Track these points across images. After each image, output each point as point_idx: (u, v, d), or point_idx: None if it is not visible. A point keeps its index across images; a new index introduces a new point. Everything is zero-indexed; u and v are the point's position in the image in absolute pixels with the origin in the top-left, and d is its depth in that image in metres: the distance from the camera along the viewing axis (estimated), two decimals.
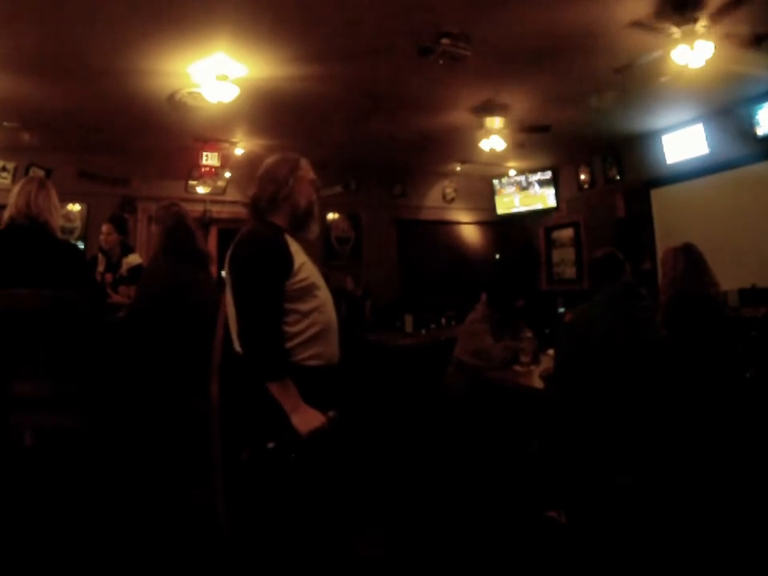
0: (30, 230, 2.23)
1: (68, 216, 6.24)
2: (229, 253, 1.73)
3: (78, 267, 2.36)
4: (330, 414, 1.65)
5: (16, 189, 2.32)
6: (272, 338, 1.63)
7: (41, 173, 5.91)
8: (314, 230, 1.85)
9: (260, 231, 1.75)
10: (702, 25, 3.42)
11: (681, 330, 2.62)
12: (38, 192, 2.28)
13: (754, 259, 5.38)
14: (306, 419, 1.59)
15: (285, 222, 1.79)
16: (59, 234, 2.38)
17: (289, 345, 1.65)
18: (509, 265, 8.12)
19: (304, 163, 1.86)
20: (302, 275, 1.68)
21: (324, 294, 1.78)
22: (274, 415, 1.59)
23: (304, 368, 1.66)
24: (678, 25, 3.45)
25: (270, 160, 1.86)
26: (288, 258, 1.67)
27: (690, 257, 2.87)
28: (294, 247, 1.72)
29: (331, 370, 1.76)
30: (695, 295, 2.80)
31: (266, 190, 1.78)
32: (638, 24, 3.54)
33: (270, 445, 1.59)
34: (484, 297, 3.75)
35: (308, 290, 1.70)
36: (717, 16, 3.36)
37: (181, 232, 2.51)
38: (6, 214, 2.29)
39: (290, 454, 1.59)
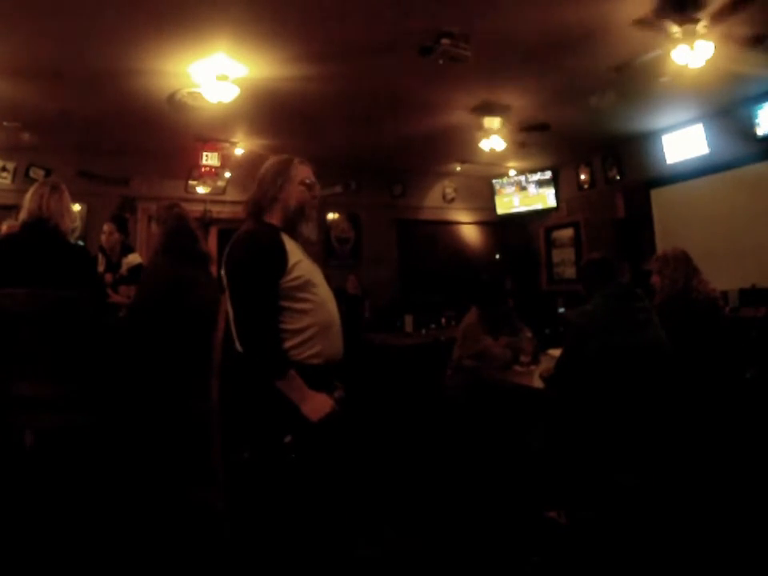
0: (41, 233, 2.26)
1: None
2: (225, 253, 1.74)
3: (85, 271, 2.38)
4: (336, 394, 1.67)
5: (29, 192, 2.37)
6: (270, 336, 1.63)
7: (41, 173, 5.92)
8: (308, 231, 1.83)
9: (254, 230, 1.77)
10: (702, 25, 3.42)
11: (676, 330, 2.63)
12: (51, 195, 2.33)
13: (754, 259, 5.37)
14: (315, 407, 1.61)
15: (280, 222, 1.80)
16: (70, 238, 2.41)
17: (288, 343, 1.66)
18: (494, 267, 8.09)
19: (298, 164, 1.84)
20: (296, 273, 1.69)
21: (323, 292, 1.78)
22: (283, 410, 1.60)
23: (304, 366, 1.66)
24: (680, 24, 3.45)
25: (266, 162, 1.87)
26: (282, 256, 1.68)
27: (688, 263, 2.91)
28: (290, 246, 1.73)
29: (332, 368, 1.76)
30: (692, 298, 2.83)
31: (258, 191, 1.82)
32: (639, 22, 3.53)
33: (287, 439, 1.59)
34: None
35: (303, 288, 1.70)
36: (718, 16, 3.37)
37: (183, 233, 2.51)
38: (20, 218, 2.35)
39: (291, 455, 1.60)
